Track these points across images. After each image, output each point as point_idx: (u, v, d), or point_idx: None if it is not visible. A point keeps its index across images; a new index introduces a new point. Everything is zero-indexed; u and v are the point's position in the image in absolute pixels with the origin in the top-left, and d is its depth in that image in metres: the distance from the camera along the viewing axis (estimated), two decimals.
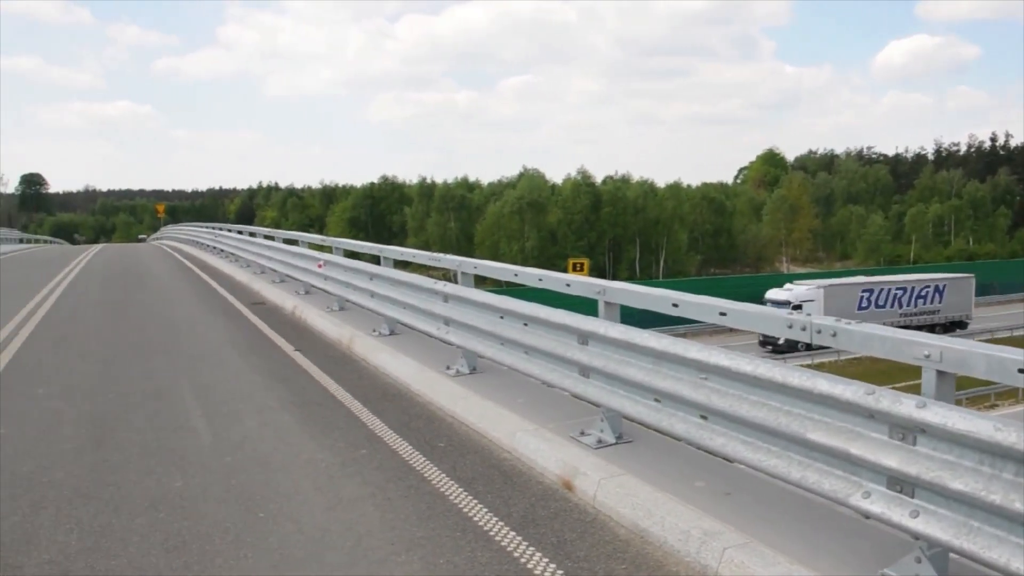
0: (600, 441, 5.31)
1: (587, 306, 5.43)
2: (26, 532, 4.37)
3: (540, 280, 6.15)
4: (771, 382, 3.85)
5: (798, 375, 3.75)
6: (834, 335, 3.63)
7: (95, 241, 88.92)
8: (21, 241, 49.98)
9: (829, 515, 4.10)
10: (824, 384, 3.57)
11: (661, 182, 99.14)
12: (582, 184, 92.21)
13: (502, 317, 6.42)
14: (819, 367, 16.51)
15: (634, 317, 5.16)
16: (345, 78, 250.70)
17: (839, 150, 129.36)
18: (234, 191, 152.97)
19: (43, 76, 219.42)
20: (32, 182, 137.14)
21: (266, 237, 17.22)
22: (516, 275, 6.52)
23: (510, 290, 14.25)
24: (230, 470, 5.35)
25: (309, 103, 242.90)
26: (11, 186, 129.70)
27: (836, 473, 3.56)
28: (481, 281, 7.73)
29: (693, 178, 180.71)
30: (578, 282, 5.67)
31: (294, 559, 4.06)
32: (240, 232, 21.39)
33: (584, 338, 5.36)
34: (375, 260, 9.96)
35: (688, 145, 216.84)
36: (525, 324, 6.09)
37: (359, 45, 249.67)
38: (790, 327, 3.90)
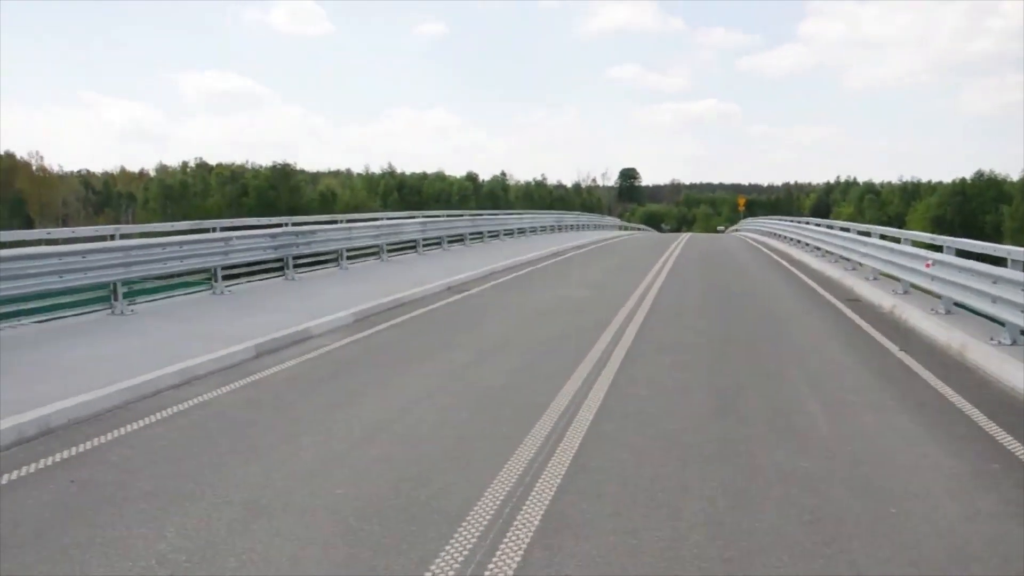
0: None
1: None
2: (680, 482, 4.96)
3: None
4: None
5: None
6: None
7: (678, 230, 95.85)
8: (620, 228, 56.30)
9: None
10: None
11: None
12: None
13: None
14: None
15: None
16: (933, 64, 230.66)
17: None
18: (808, 186, 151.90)
19: (641, 82, 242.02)
20: (628, 176, 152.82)
21: (860, 233, 16.85)
22: None
23: None
24: (854, 460, 5.39)
25: (891, 93, 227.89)
26: (612, 179, 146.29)
27: None
28: None
29: None
30: None
31: (934, 562, 3.96)
32: (829, 227, 21.23)
33: None
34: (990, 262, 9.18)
35: None
36: None
37: (953, 26, 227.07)
38: None
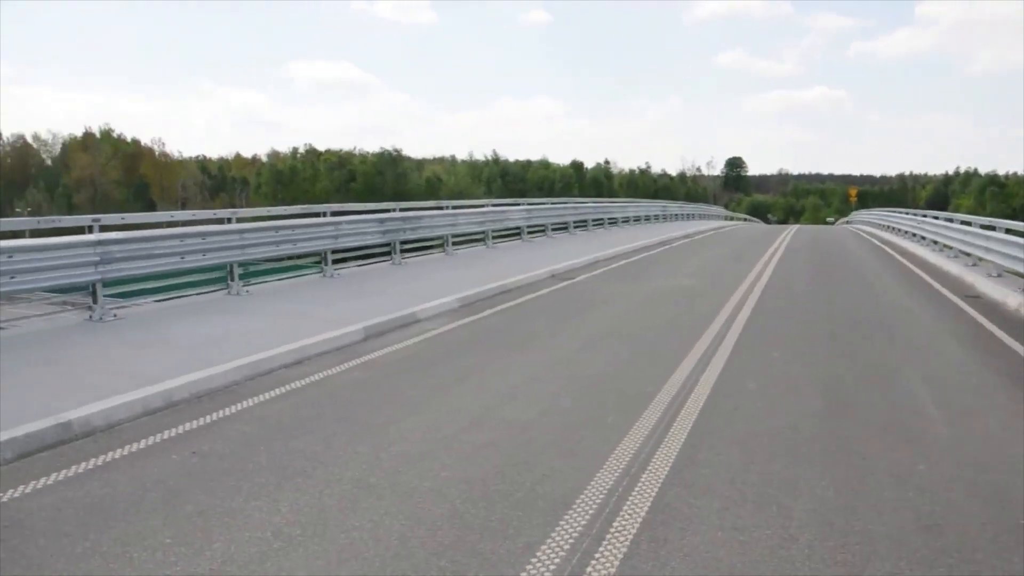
0: None
1: None
2: (789, 479, 4.84)
3: None
4: None
5: None
6: None
7: (784, 222, 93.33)
8: (725, 218, 55.25)
9: None
10: None
11: None
12: None
13: None
14: None
15: None
16: None
17: None
18: (924, 176, 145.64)
19: (748, 68, 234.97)
20: (734, 165, 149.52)
21: (983, 227, 16.06)
22: None
23: None
24: (976, 465, 5.15)
25: (1017, 78, 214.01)
26: (717, 168, 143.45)
27: None
28: None
29: None
30: None
31: None
32: (948, 220, 20.31)
33: None
34: None
35: None
36: None
37: None
38: None
